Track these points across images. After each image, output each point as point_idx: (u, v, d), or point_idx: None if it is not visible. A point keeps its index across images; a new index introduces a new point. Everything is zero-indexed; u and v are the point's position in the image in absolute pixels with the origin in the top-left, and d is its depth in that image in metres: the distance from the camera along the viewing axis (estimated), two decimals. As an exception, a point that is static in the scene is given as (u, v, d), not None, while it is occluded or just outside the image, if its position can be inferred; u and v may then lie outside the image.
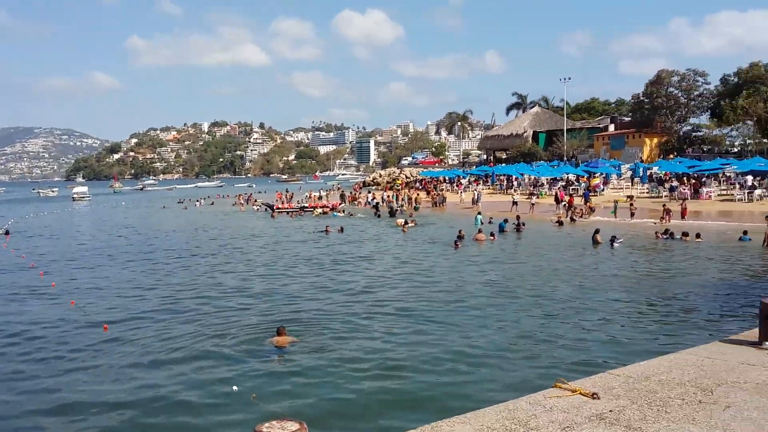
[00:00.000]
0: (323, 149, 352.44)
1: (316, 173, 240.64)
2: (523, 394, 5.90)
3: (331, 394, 9.60)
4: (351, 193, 69.02)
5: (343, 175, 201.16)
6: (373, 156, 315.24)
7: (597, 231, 27.40)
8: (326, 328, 13.54)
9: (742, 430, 4.60)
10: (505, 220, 33.04)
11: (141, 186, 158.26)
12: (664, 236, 27.91)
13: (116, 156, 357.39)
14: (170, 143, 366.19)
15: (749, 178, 46.30)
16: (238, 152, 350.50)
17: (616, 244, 25.85)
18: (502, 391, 8.80)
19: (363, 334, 12.97)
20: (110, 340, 13.10)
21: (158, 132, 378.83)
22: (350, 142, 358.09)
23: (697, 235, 27.06)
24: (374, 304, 15.94)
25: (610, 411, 5.10)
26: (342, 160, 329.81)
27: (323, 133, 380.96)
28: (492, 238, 28.80)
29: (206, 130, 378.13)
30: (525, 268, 21.55)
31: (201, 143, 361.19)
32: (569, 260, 23.06)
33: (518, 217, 34.54)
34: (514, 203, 45.57)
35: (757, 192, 43.89)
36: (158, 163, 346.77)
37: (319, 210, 51.41)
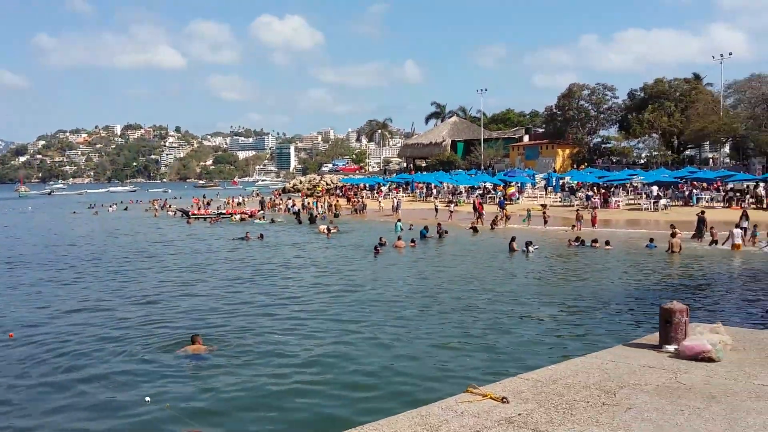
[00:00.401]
0: (242, 154, 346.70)
1: (235, 179, 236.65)
2: (436, 399, 5.95)
3: (245, 402, 9.43)
4: (270, 199, 68.24)
5: (263, 181, 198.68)
6: (293, 162, 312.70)
7: (513, 239, 28.06)
8: (243, 335, 13.30)
9: (642, 430, 4.78)
10: (426, 228, 33.43)
11: (49, 190, 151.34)
12: (576, 243, 28.89)
13: (22, 158, 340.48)
14: (80, 146, 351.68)
15: (654, 188, 48.58)
16: (153, 156, 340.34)
17: (531, 251, 26.58)
18: (416, 397, 8.86)
19: (281, 342, 12.81)
20: (13, 350, 12.43)
21: (68, 134, 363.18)
22: (270, 148, 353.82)
23: (607, 243, 28.12)
24: (293, 312, 15.79)
25: (519, 415, 5.20)
26: (262, 166, 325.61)
27: (242, 138, 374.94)
28: (413, 244, 29.05)
29: (119, 133, 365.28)
30: (443, 274, 21.83)
31: (113, 146, 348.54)
32: (486, 266, 23.55)
33: (440, 225, 35.05)
34: (436, 210, 46.32)
35: (662, 202, 46.07)
36: (68, 167, 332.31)
37: (238, 216, 50.59)
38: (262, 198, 67.96)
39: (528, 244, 26.96)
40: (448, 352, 11.87)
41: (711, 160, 71.76)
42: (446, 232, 33.79)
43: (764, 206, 42.70)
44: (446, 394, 6.21)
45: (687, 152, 75.34)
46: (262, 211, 54.54)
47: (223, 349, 12.14)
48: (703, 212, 32.61)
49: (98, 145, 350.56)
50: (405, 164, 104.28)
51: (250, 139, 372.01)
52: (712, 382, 5.83)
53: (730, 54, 70.96)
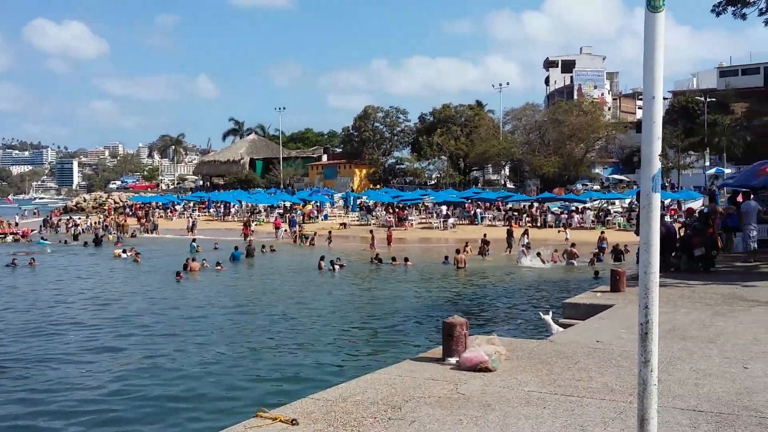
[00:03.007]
0: (16, 169, 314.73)
1: (9, 196, 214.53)
2: (225, 426, 5.74)
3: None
4: (49, 218, 62.55)
5: (41, 198, 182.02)
6: (76, 178, 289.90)
7: (322, 257, 28.12)
8: (24, 367, 11.97)
9: (424, 443, 4.95)
10: (236, 248, 31.98)
11: None
12: (376, 261, 29.57)
13: None
14: None
15: (444, 207, 51.63)
16: None
17: (337, 269, 26.77)
18: (204, 421, 8.51)
19: (68, 370, 11.70)
20: None
21: None
22: (49, 163, 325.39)
23: (406, 260, 29.26)
24: (80, 342, 14.53)
25: (308, 436, 5.16)
26: (40, 182, 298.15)
27: (16, 151, 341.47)
28: (219, 267, 27.65)
29: None
30: (246, 294, 21.42)
31: None
32: (292, 285, 23.49)
33: (250, 242, 34.46)
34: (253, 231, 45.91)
35: (451, 221, 49.06)
36: None
37: (10, 237, 45.72)
38: (47, 217, 62.10)
39: (333, 263, 27.09)
40: (240, 375, 11.57)
41: (497, 181, 77.73)
42: (270, 249, 33.47)
43: (538, 224, 47.10)
44: (236, 421, 6.00)
45: (474, 173, 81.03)
46: (34, 231, 49.65)
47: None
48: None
49: None
50: (201, 182, 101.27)
51: (26, 153, 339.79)
52: (488, 390, 6.20)
53: (507, 84, 78.03)
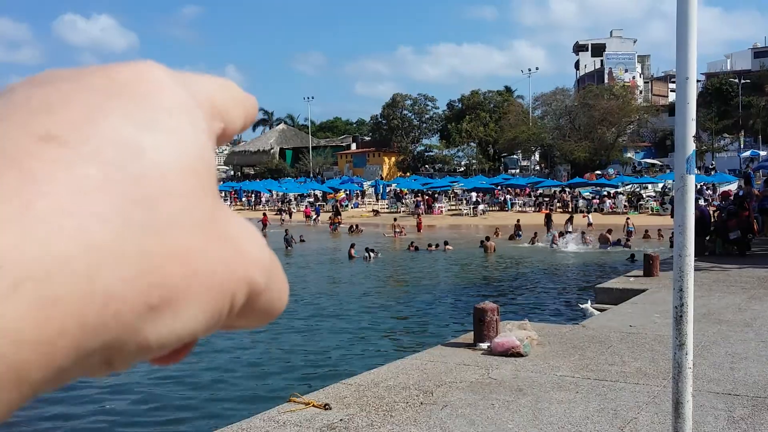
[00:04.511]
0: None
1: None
2: (259, 410, 5.83)
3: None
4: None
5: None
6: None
7: (352, 245, 28.13)
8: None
9: (456, 426, 4.97)
10: (265, 235, 32.07)
11: None
12: (413, 249, 29.47)
13: None
14: None
15: (473, 194, 51.46)
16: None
17: (372, 256, 26.63)
18: (239, 409, 8.64)
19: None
20: None
21: None
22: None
23: (446, 243, 29.24)
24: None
25: (341, 420, 5.22)
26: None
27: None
28: None
29: None
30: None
31: None
32: (324, 274, 23.65)
33: (287, 231, 34.01)
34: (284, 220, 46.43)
35: (480, 207, 48.87)
36: None
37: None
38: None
39: (368, 250, 27.02)
40: (275, 363, 11.71)
41: (521, 168, 77.17)
42: (303, 240, 33.38)
43: (569, 210, 46.67)
44: (270, 407, 6.09)
45: (504, 159, 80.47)
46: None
47: None
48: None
49: None
50: (232, 172, 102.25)
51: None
52: (519, 375, 6.20)
53: (537, 69, 77.16)
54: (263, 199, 61.76)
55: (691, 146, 3.66)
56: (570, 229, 32.36)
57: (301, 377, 10.59)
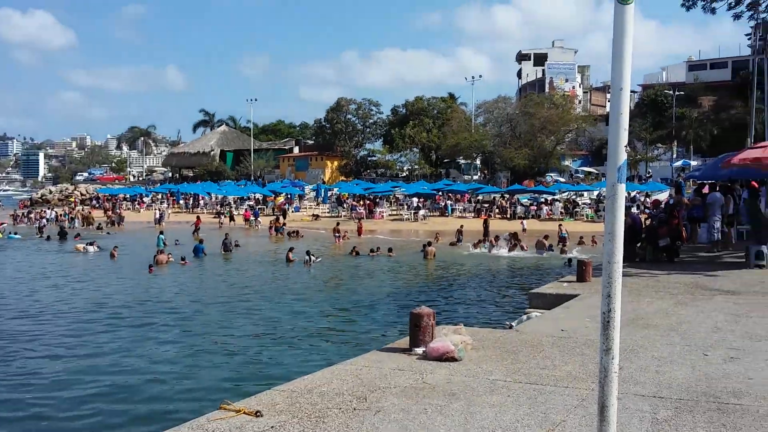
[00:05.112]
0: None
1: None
2: (188, 419, 5.68)
3: None
4: (14, 211, 61.31)
5: (5, 191, 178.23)
6: (42, 170, 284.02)
7: (290, 249, 27.91)
8: None
9: (388, 431, 4.95)
10: (201, 241, 31.05)
11: None
12: (354, 254, 29.27)
13: None
14: None
15: (415, 199, 51.79)
16: None
17: (313, 260, 26.34)
18: (167, 418, 8.42)
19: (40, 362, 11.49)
20: None
21: None
22: (15, 155, 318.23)
23: (390, 250, 29.25)
24: (32, 334, 14.29)
25: (272, 427, 5.12)
26: (4, 174, 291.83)
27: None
28: (183, 262, 26.43)
29: None
30: (213, 288, 21.24)
31: None
32: (261, 279, 23.32)
33: (226, 236, 33.28)
34: (222, 223, 45.52)
35: (421, 212, 49.21)
36: None
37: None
38: (15, 210, 60.75)
39: (309, 254, 26.72)
40: (207, 370, 11.48)
41: (465, 174, 77.95)
42: (237, 244, 32.45)
43: (508, 216, 47.44)
44: (200, 415, 5.94)
45: (449, 166, 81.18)
46: (4, 224, 48.56)
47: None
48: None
49: None
50: (171, 174, 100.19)
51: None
52: (453, 380, 6.22)
53: (480, 76, 78.53)
54: (201, 202, 60.68)
55: (623, 155, 3.73)
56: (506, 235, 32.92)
57: (233, 384, 10.41)
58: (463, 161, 75.92)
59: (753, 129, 41.66)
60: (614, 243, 3.72)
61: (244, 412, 5.52)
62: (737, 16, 20.04)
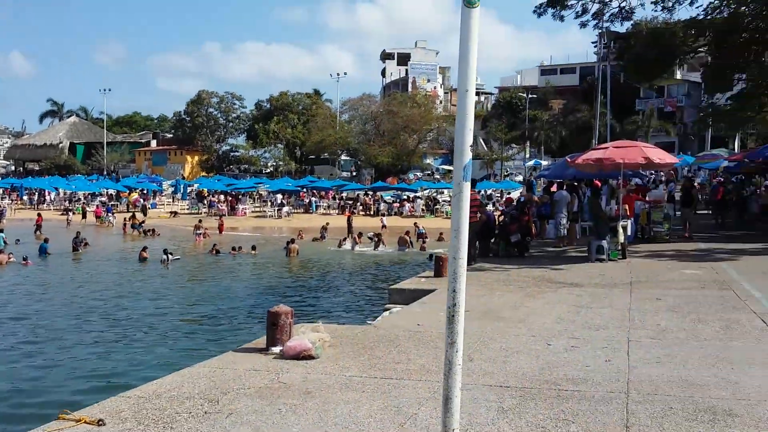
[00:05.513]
0: None
1: None
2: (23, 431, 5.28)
3: None
4: None
5: None
6: None
7: (144, 248, 26.58)
8: None
9: (240, 435, 4.83)
10: (46, 240, 28.93)
11: None
12: (214, 252, 28.38)
13: None
14: None
15: (279, 196, 51.24)
16: None
17: (170, 258, 25.17)
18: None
19: None
20: None
21: None
22: None
23: (253, 248, 28.62)
24: None
25: (115, 437, 4.86)
26: None
27: None
28: (25, 262, 24.38)
29: None
30: (56, 290, 19.88)
31: None
32: (112, 278, 22.12)
33: (78, 234, 30.94)
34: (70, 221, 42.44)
35: (285, 209, 48.77)
36: None
37: None
38: None
39: (166, 252, 25.56)
40: (50, 377, 10.74)
41: (344, 171, 77.94)
42: (86, 243, 30.26)
43: (371, 213, 48.05)
44: (35, 426, 5.52)
45: (325, 163, 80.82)
46: None
47: None
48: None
49: None
50: (14, 167, 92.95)
51: None
52: (309, 378, 6.19)
53: (345, 73, 78.76)
54: (48, 198, 56.75)
55: (468, 155, 3.84)
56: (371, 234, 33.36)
57: (76, 392, 9.80)
58: (344, 158, 75.91)
59: (597, 131, 44.76)
60: (459, 239, 3.81)
61: (85, 422, 5.20)
62: (583, 25, 21.39)
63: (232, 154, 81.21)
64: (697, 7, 28.11)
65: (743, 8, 19.68)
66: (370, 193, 53.11)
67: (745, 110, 23.10)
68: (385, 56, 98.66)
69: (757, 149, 29.41)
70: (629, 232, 16.34)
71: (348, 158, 76.35)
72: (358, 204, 50.45)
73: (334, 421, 5.08)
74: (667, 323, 8.30)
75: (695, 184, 27.44)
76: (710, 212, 24.70)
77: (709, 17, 20.33)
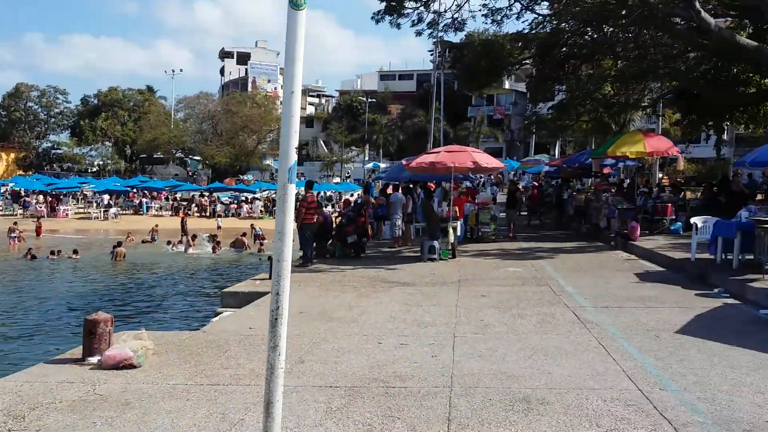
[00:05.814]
0: None
1: None
2: None
3: None
4: None
5: None
6: None
7: None
8: None
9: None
10: None
11: None
12: (29, 257, 26.06)
13: None
14: None
15: (106, 197, 48.30)
16: None
17: None
18: None
19: None
20: None
21: None
22: None
23: (75, 252, 26.58)
24: None
25: None
26: None
27: None
28: None
29: None
30: None
31: None
32: None
33: None
34: None
35: (113, 210, 46.07)
36: None
37: None
38: None
39: None
40: None
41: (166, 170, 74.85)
42: None
43: (207, 214, 46.66)
44: None
45: (149, 163, 77.05)
46: None
47: None
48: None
49: None
50: None
51: None
52: (129, 388, 5.85)
53: (181, 70, 76.21)
54: None
55: (294, 157, 3.80)
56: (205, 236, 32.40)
57: None
58: (195, 158, 72.66)
59: (432, 136, 46.46)
60: (284, 242, 3.76)
61: None
62: (419, 33, 22.08)
63: (53, 151, 75.57)
64: (523, 22, 30.09)
65: (563, 25, 21.24)
66: (206, 194, 51.57)
67: (563, 119, 24.91)
68: (224, 55, 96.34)
69: (574, 155, 32.05)
70: (459, 233, 17.08)
71: (199, 159, 73.73)
72: (194, 205, 48.82)
73: (154, 432, 4.82)
74: (490, 319, 8.73)
75: (519, 187, 29.24)
76: (526, 213, 26.43)
77: (533, 32, 21.73)
